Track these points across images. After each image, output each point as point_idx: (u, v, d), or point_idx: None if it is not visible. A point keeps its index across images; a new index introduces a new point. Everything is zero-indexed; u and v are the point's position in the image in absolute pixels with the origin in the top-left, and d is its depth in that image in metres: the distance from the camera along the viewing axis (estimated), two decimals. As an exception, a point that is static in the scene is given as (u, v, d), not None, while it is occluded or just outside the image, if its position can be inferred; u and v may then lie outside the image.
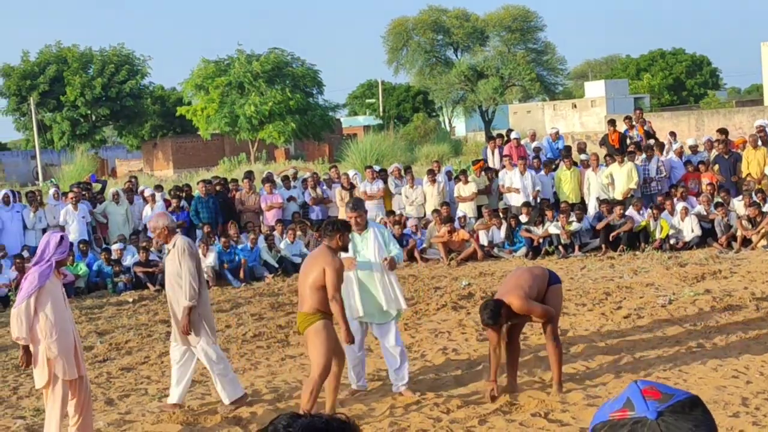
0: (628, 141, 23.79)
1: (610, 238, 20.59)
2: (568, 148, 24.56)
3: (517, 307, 9.49)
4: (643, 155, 22.40)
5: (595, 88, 74.60)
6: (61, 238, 8.70)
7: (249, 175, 24.39)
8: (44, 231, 21.52)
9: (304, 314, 9.25)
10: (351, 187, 23.14)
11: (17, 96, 67.18)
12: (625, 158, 22.03)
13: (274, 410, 9.63)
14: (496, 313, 9.36)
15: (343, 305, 9.18)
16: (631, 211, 20.85)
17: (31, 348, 8.57)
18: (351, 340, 9.35)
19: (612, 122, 24.72)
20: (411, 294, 16.75)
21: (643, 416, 1.95)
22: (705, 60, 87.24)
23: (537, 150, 24.30)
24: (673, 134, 25.37)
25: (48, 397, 8.62)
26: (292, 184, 24.00)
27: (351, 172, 24.71)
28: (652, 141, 23.63)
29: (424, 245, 21.66)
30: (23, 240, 21.35)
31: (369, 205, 22.79)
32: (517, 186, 22.57)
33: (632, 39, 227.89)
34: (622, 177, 21.85)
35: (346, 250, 9.56)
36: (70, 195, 22.10)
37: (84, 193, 22.77)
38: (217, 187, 23.25)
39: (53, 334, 8.46)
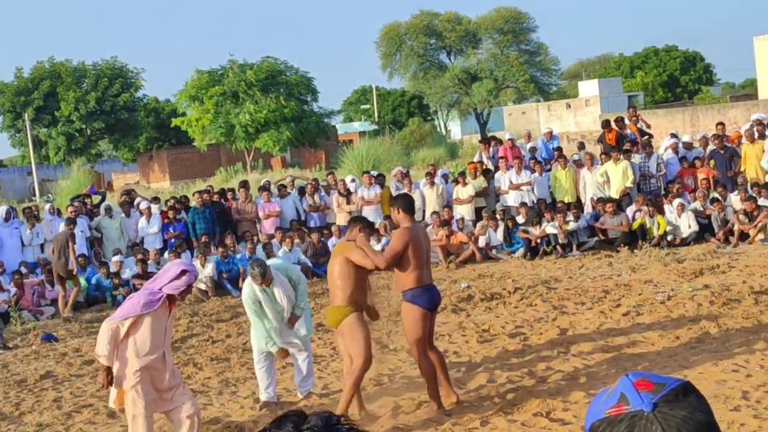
0: (625, 140, 23.81)
1: (604, 238, 20.67)
2: (560, 148, 24.56)
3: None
4: (641, 152, 22.42)
5: (588, 88, 74.66)
6: (182, 272, 8.05)
7: (245, 184, 24.40)
8: (42, 246, 21.59)
9: (336, 308, 9.39)
10: (348, 193, 23.16)
11: (12, 112, 67.23)
12: (621, 156, 22.04)
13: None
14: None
15: (391, 262, 9.30)
16: (631, 209, 20.87)
17: (114, 369, 8.05)
18: (377, 316, 9.91)
19: (606, 123, 24.70)
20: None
21: (639, 410, 1.96)
22: (698, 56, 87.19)
23: (533, 150, 24.32)
24: (674, 135, 25.30)
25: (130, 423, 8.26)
26: (288, 191, 23.99)
27: (348, 178, 24.72)
28: (647, 138, 23.64)
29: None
30: (21, 256, 21.38)
31: (367, 210, 22.87)
32: (521, 181, 22.65)
33: (625, 37, 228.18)
34: (618, 175, 21.86)
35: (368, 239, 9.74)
36: (69, 210, 22.12)
37: (82, 207, 22.79)
38: (214, 198, 23.26)
39: (137, 365, 7.96)
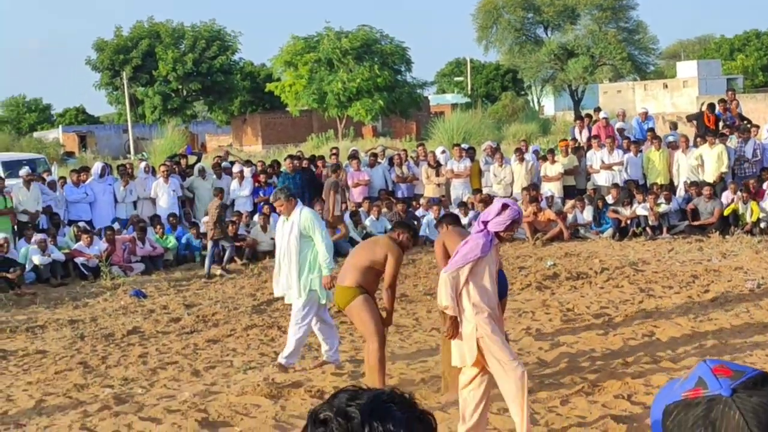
0: (721, 124, 23.39)
1: (695, 224, 20.35)
2: (654, 129, 24.18)
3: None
4: (734, 137, 22.00)
5: (687, 69, 73.29)
6: (503, 207, 7.73)
7: (336, 151, 24.54)
8: (134, 204, 21.97)
9: (344, 288, 9.51)
10: (437, 165, 23.13)
11: (110, 70, 68.31)
12: (716, 140, 21.66)
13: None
14: None
15: (394, 295, 9.55)
16: (726, 195, 20.49)
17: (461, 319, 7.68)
18: (390, 322, 9.64)
19: (711, 106, 24.18)
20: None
21: (717, 394, 1.95)
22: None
23: (621, 131, 23.99)
24: None
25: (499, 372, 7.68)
26: (378, 161, 24.05)
27: (438, 150, 24.67)
28: (746, 122, 23.20)
29: (510, 224, 21.53)
30: (114, 212, 21.76)
31: (456, 183, 22.84)
32: (613, 161, 22.39)
33: (727, 19, 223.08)
34: (713, 159, 21.49)
35: (406, 248, 9.76)
36: (162, 168, 22.45)
37: (175, 167, 23.10)
38: (304, 164, 23.42)
39: (485, 311, 7.60)
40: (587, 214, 21.40)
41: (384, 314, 9.53)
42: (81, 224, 20.34)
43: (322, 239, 10.73)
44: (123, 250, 19.70)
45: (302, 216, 10.75)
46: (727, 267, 16.01)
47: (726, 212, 20.22)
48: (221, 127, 77.14)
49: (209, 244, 19.34)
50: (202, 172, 22.97)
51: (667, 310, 12.96)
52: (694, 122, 24.17)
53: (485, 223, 7.74)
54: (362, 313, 9.38)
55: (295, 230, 10.63)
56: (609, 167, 22.44)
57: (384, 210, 21.50)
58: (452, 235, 9.42)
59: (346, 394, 1.98)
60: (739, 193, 20.22)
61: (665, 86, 71.97)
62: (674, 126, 25.43)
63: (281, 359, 10.75)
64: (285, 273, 10.79)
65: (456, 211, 21.65)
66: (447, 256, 9.21)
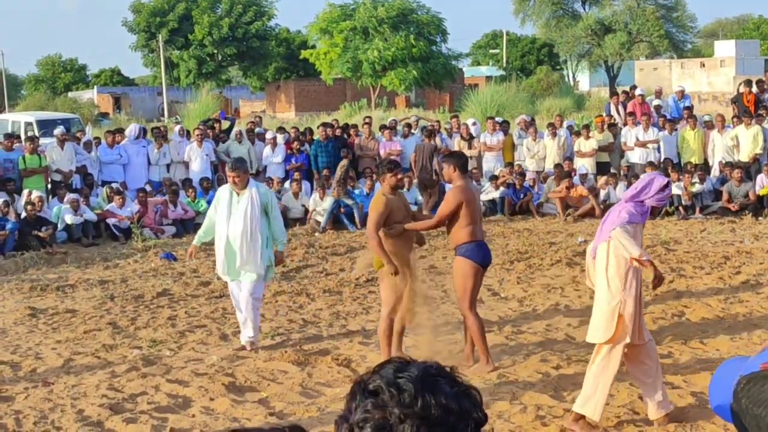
0: (761, 104, 23.17)
1: (732, 208, 20.12)
2: (691, 108, 23.98)
3: None
4: (772, 118, 21.80)
5: (725, 48, 72.72)
6: (668, 184, 7.65)
7: (369, 120, 24.48)
8: (168, 167, 22.02)
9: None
10: (470, 138, 23.06)
11: (146, 32, 68.53)
12: (753, 121, 21.45)
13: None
14: None
15: (378, 242, 9.20)
16: (762, 177, 20.29)
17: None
18: (395, 270, 9.23)
19: (748, 83, 23.99)
20: (525, 248, 16.68)
21: None
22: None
23: (658, 108, 23.80)
24: None
25: (601, 355, 7.65)
26: (412, 132, 23.98)
27: (470, 121, 24.57)
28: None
29: (541, 200, 21.50)
30: (147, 175, 21.82)
31: (488, 156, 22.77)
32: (648, 138, 22.21)
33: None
34: (748, 140, 21.29)
35: (396, 189, 9.46)
36: (196, 132, 22.48)
37: (209, 131, 23.12)
38: (337, 132, 23.39)
39: (632, 288, 7.44)
40: (620, 191, 21.26)
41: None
42: (114, 185, 20.42)
43: (279, 214, 10.65)
44: (155, 213, 19.78)
45: (262, 192, 10.40)
46: (759, 249, 15.89)
47: (762, 192, 20.04)
48: (255, 93, 77.25)
49: (329, 201, 19.99)
50: (239, 136, 22.96)
51: (698, 290, 12.88)
52: (735, 105, 23.93)
53: (635, 198, 7.59)
54: (387, 280, 9.36)
55: (255, 205, 10.20)
56: (644, 145, 22.27)
57: (415, 181, 21.46)
58: (469, 193, 9.28)
59: (392, 365, 1.97)
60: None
61: (702, 65, 71.46)
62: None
63: (251, 339, 10.43)
64: (240, 250, 10.22)
65: (488, 185, 21.59)
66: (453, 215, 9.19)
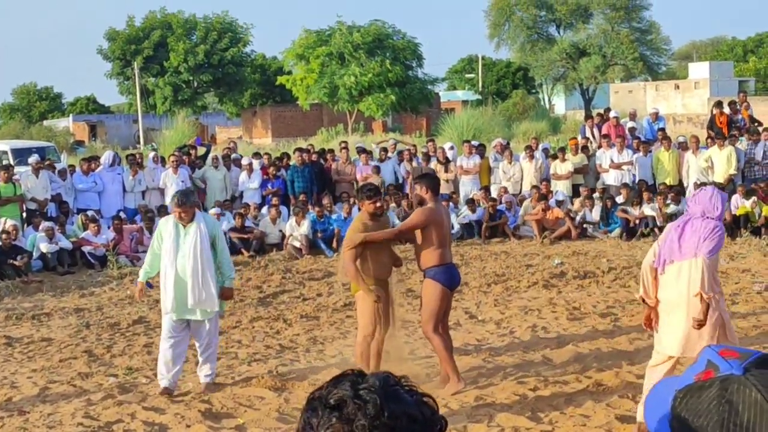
0: (733, 125, 23.33)
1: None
2: (664, 130, 24.13)
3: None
4: (743, 139, 21.94)
5: (699, 70, 73.18)
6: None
7: (345, 145, 24.53)
8: (143, 194, 21.97)
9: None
10: (447, 161, 23.12)
11: (121, 60, 68.43)
12: (726, 142, 21.60)
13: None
14: None
15: (351, 261, 9.16)
16: (735, 198, 20.38)
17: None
18: (377, 298, 9.24)
19: (719, 104, 24.20)
20: (503, 270, 16.70)
21: (729, 374, 1.95)
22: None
23: (632, 130, 23.94)
24: None
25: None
26: (388, 155, 24.02)
27: (447, 145, 24.66)
28: (756, 125, 23.14)
29: (518, 222, 21.56)
30: (122, 202, 21.76)
31: (465, 179, 22.82)
32: (623, 160, 22.32)
33: (739, 20, 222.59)
34: (722, 161, 21.43)
35: (378, 215, 9.45)
36: (171, 159, 22.45)
37: (184, 157, 23.09)
38: (313, 157, 23.42)
39: (720, 301, 7.81)
40: (595, 214, 21.35)
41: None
42: (89, 213, 20.35)
43: (225, 246, 10.14)
44: (130, 240, 19.71)
45: (210, 223, 9.94)
46: (734, 269, 15.97)
47: (739, 212, 20.12)
48: (231, 119, 77.23)
49: (306, 226, 20.14)
50: (215, 162, 22.94)
51: (674, 311, 12.89)
52: (710, 130, 24.10)
53: (720, 217, 7.76)
54: (363, 304, 9.42)
55: (205, 238, 9.60)
56: (618, 167, 22.39)
57: (392, 205, 21.47)
58: (438, 215, 9.29)
59: (348, 378, 1.96)
60: (754, 198, 20.11)
61: (677, 87, 71.89)
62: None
63: (210, 378, 9.93)
64: (193, 290, 9.55)
65: (464, 208, 21.63)
66: (422, 235, 9.23)
